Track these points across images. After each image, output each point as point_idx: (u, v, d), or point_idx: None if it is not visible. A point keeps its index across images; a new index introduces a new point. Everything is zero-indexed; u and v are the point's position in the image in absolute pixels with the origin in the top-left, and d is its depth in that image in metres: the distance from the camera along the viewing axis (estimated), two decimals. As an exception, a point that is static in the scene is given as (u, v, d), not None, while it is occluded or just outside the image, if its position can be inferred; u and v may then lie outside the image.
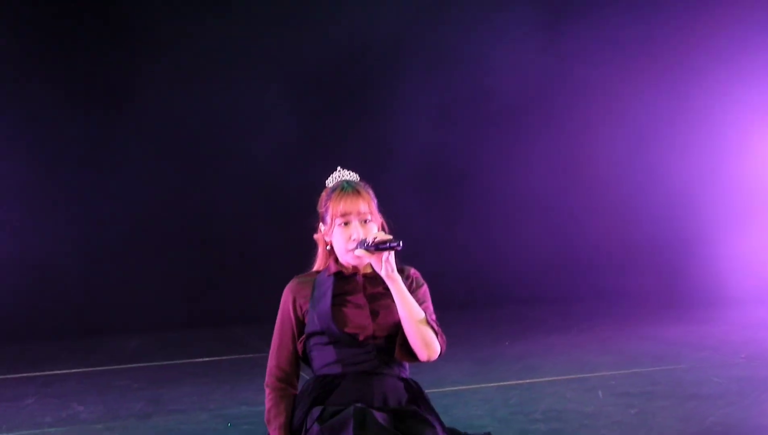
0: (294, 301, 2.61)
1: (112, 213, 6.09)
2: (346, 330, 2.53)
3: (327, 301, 2.58)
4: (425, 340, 2.57)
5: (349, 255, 2.59)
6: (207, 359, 4.94)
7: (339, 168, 2.68)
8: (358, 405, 2.42)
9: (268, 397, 2.59)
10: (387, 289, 2.62)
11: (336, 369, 2.60)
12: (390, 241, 2.52)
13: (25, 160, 5.87)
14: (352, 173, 2.69)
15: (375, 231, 2.61)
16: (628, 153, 6.82)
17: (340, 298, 2.58)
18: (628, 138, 6.84)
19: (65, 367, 4.74)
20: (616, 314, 5.89)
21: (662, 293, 6.40)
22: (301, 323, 2.60)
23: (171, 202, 6.17)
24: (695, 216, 6.54)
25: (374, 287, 2.63)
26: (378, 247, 2.52)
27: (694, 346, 4.81)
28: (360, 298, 2.60)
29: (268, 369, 2.61)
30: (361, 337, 2.53)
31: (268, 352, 2.62)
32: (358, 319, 2.55)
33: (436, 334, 2.55)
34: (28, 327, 5.72)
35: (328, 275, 2.64)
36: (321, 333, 2.62)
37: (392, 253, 2.52)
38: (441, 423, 2.65)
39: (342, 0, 6.53)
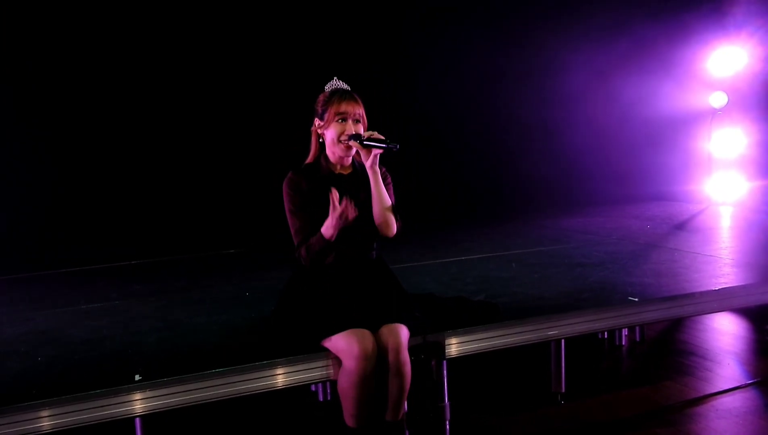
0: (300, 187, 2.52)
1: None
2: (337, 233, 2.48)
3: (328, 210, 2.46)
4: (387, 222, 2.57)
5: (340, 146, 2.52)
6: (232, 251, 4.89)
7: (335, 78, 2.58)
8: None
9: (304, 248, 2.49)
10: (365, 190, 2.55)
11: (328, 259, 2.55)
12: (387, 141, 2.43)
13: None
14: (343, 83, 2.60)
15: (362, 130, 2.52)
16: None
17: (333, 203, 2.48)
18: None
19: (126, 260, 4.67)
20: (527, 212, 5.92)
21: (558, 198, 6.43)
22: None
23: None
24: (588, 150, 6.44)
25: (357, 189, 2.56)
26: (374, 144, 2.44)
27: (580, 232, 4.88)
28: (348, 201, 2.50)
29: (298, 239, 2.50)
30: (345, 234, 2.49)
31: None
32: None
33: (396, 219, 2.56)
34: (101, 229, 5.57)
35: (322, 175, 2.55)
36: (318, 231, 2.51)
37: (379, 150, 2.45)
38: (401, 289, 2.65)
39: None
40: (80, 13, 5.45)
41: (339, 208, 2.38)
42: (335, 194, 2.41)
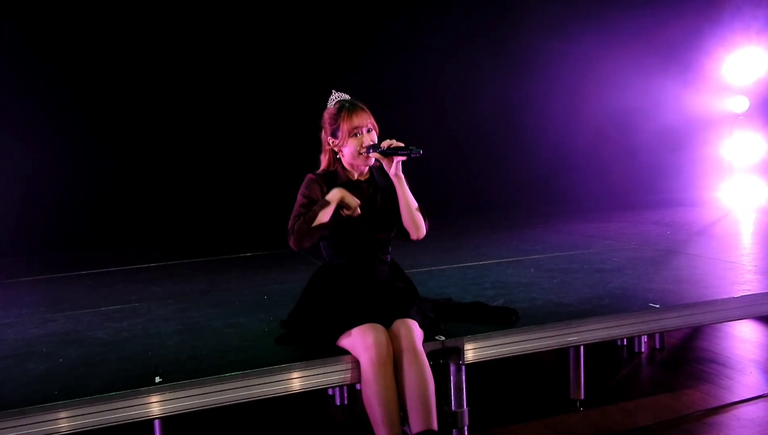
0: (315, 190, 2.51)
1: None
2: (354, 235, 2.52)
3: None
4: (417, 225, 2.55)
5: (360, 159, 2.52)
6: (249, 254, 4.90)
7: (333, 91, 2.56)
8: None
9: (292, 229, 2.46)
10: (378, 193, 2.57)
11: (342, 260, 2.58)
12: (408, 147, 2.40)
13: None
14: (345, 94, 2.57)
15: (375, 138, 2.51)
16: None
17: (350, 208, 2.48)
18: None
19: (145, 263, 4.71)
20: (545, 218, 5.88)
21: (577, 203, 6.40)
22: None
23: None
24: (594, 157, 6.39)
25: (375, 194, 2.57)
26: (396, 152, 2.42)
27: (599, 237, 4.84)
28: (365, 206, 2.52)
29: (292, 222, 2.47)
30: (362, 237, 2.53)
31: (289, 249, 2.53)
32: (363, 223, 2.52)
33: (424, 217, 2.57)
34: (121, 232, 5.64)
35: (341, 183, 2.55)
36: (336, 235, 2.52)
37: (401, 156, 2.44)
38: (413, 289, 2.65)
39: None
40: (88, 17, 5.53)
41: (352, 209, 2.41)
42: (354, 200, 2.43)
